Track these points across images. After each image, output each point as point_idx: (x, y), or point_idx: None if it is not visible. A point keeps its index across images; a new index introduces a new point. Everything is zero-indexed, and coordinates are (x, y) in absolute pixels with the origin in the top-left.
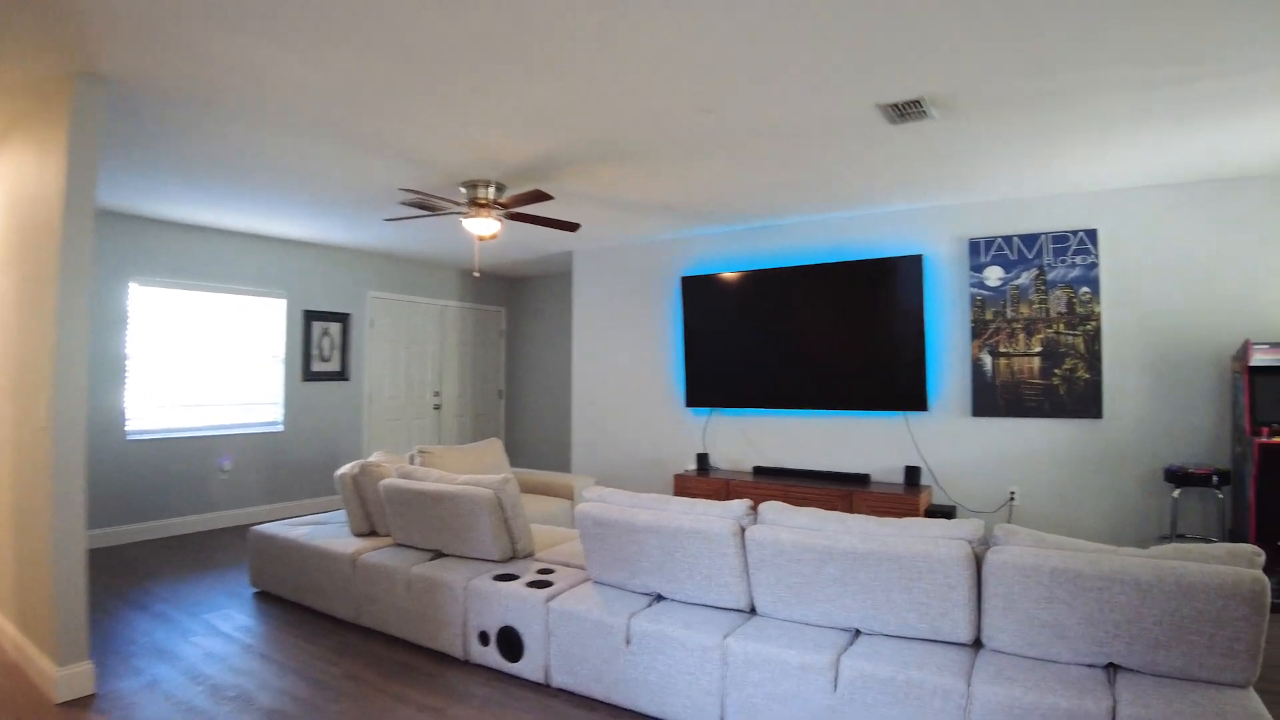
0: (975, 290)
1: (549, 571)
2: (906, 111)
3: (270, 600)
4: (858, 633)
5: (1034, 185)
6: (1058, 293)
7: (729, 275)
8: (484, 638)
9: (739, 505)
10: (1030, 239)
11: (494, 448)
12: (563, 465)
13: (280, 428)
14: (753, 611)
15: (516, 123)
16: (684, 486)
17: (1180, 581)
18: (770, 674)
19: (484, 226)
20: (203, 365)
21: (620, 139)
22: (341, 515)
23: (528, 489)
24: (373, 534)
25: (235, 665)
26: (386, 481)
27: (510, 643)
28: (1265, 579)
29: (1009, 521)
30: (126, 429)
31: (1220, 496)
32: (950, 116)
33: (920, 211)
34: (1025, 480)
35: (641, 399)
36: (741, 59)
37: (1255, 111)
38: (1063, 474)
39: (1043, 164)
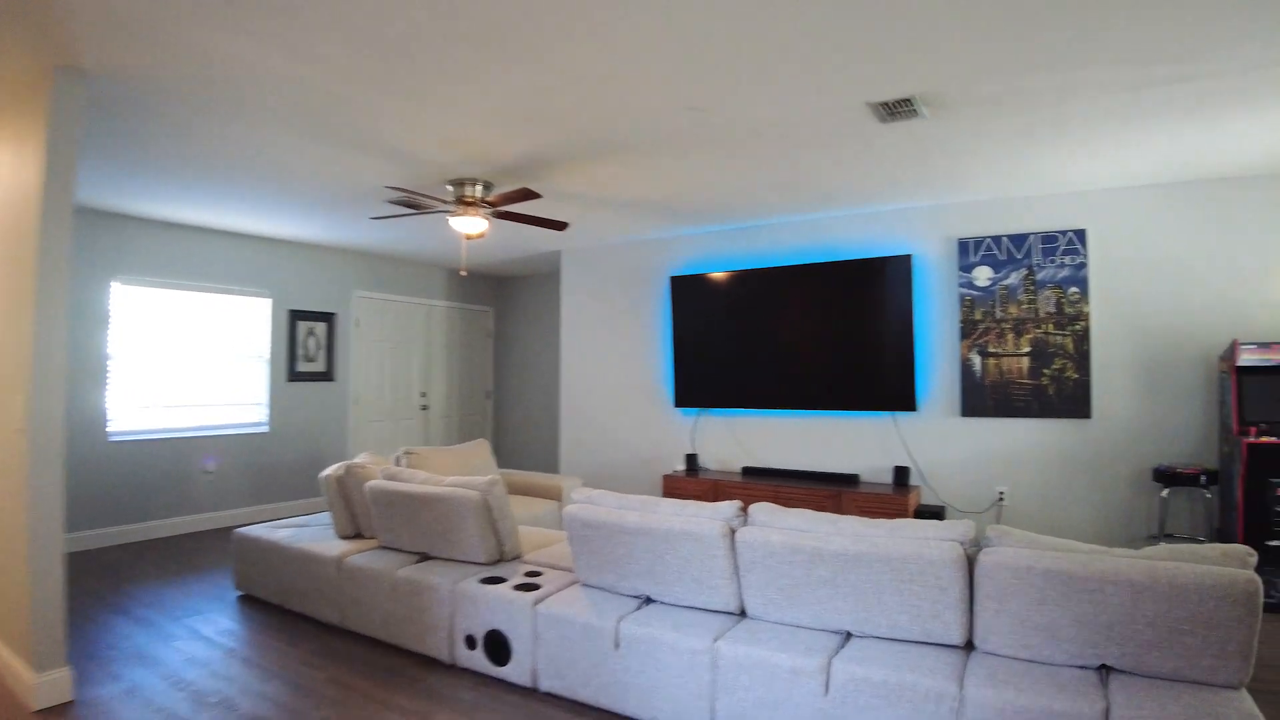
0: (964, 290)
1: (536, 574)
2: (897, 110)
3: (254, 604)
4: (849, 635)
5: (1023, 185)
6: (1047, 293)
7: (718, 275)
8: (471, 641)
9: (729, 507)
10: (1019, 239)
11: (481, 449)
12: (551, 466)
13: (265, 429)
14: (743, 614)
15: (504, 119)
16: (673, 487)
17: (1173, 582)
18: (761, 677)
19: (471, 225)
20: (187, 365)
21: (609, 136)
22: (326, 517)
23: (515, 490)
24: (358, 536)
25: (217, 670)
26: (372, 483)
27: (497, 646)
28: (1258, 579)
29: (998, 521)
30: (108, 430)
31: (1208, 496)
32: (941, 115)
33: (909, 211)
34: (1014, 480)
35: (630, 399)
36: (731, 54)
37: (1245, 112)
38: (1051, 474)
39: (1032, 164)
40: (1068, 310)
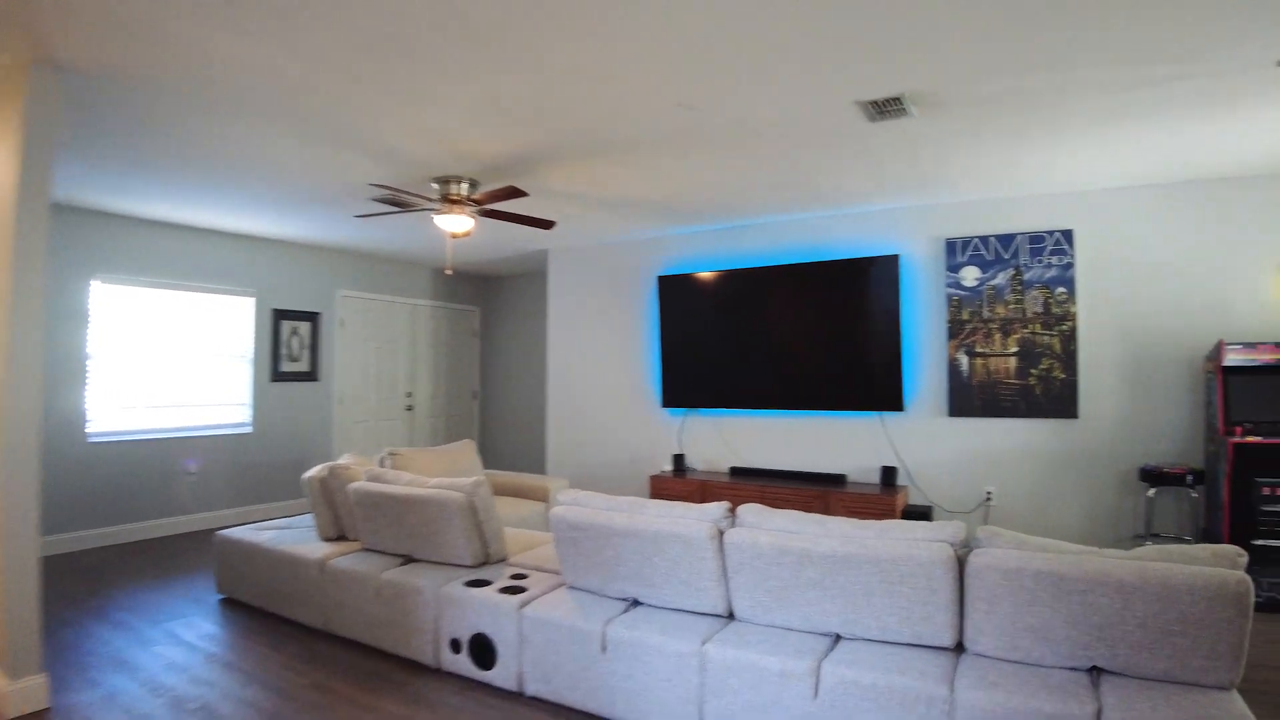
0: (952, 290)
1: (523, 576)
2: (886, 109)
3: (236, 607)
4: (838, 637)
5: (1011, 185)
6: (1034, 293)
7: (706, 275)
8: (456, 645)
9: (717, 508)
10: (1007, 239)
11: (467, 449)
12: (538, 467)
13: (248, 429)
14: (731, 617)
15: (492, 115)
16: (660, 487)
17: (1165, 583)
18: (749, 681)
19: (457, 223)
20: (168, 365)
21: (596, 134)
22: (310, 519)
23: (501, 491)
24: (342, 539)
25: (198, 676)
26: (355, 485)
27: (483, 650)
28: (1249, 580)
29: (985, 521)
30: (88, 430)
31: (1194, 496)
32: (930, 114)
33: (897, 211)
34: (1001, 480)
35: (617, 399)
36: (721, 52)
37: (1235, 113)
38: (1039, 474)
39: (1020, 163)
40: (1055, 310)
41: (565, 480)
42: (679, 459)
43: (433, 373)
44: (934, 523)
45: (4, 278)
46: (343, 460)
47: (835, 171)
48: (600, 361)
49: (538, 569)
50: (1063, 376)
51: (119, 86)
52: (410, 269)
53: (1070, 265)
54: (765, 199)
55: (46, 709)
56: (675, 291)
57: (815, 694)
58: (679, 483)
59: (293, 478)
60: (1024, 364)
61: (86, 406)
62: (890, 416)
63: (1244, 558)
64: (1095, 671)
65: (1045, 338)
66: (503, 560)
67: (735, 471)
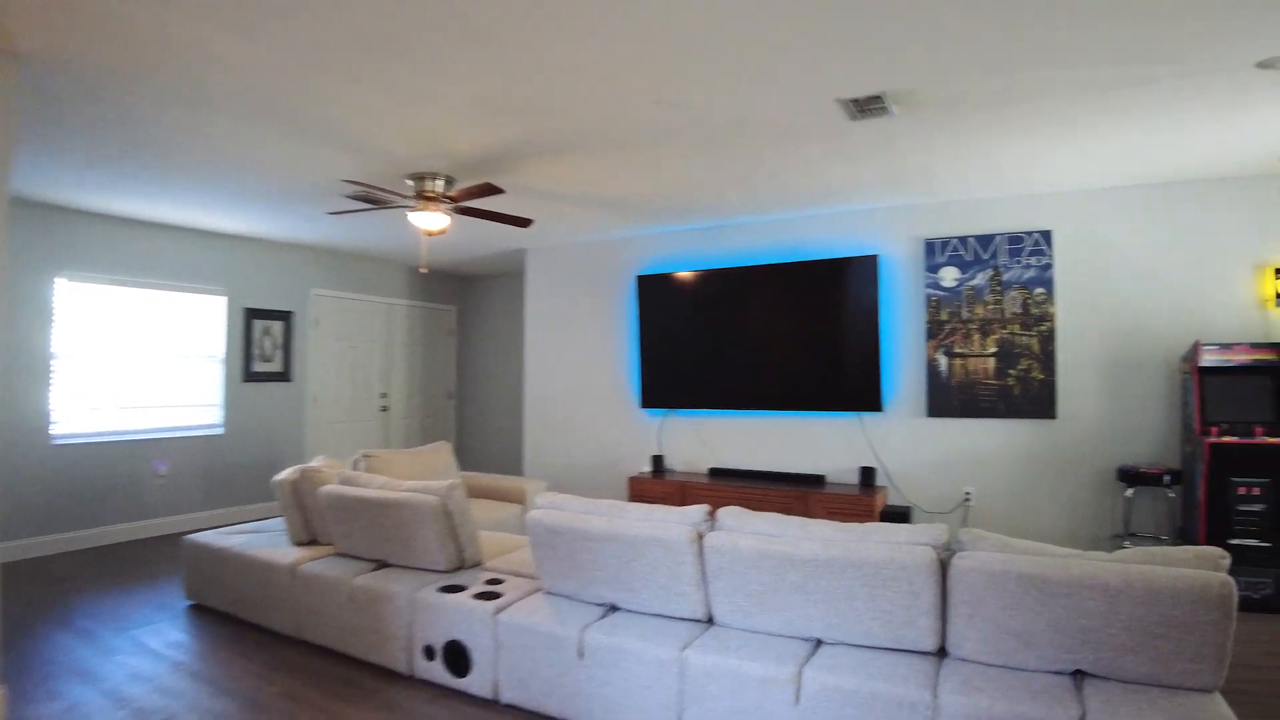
0: (931, 291)
1: (498, 581)
2: (867, 108)
3: (205, 613)
4: (820, 642)
5: (990, 186)
6: (1013, 293)
7: (684, 275)
8: (429, 652)
9: (696, 511)
10: (986, 239)
11: (442, 451)
12: (515, 468)
13: (219, 430)
14: (711, 622)
15: (468, 110)
16: (638, 489)
17: (1149, 586)
18: (730, 687)
19: (432, 221)
20: (137, 365)
21: (574, 130)
22: (281, 523)
23: (478, 493)
24: (313, 543)
25: (163, 685)
26: (327, 488)
27: (457, 657)
28: (1233, 582)
29: (965, 522)
30: (52, 432)
31: (1171, 495)
32: (911, 113)
33: (877, 211)
34: (980, 480)
35: (595, 400)
36: (703, 48)
37: (1214, 114)
38: (1017, 474)
39: (999, 164)
40: (1034, 311)
41: (543, 482)
42: (658, 460)
43: (408, 373)
44: (916, 525)
45: None
46: (315, 463)
47: (816, 171)
48: (578, 362)
49: (514, 574)
50: (1041, 377)
51: (84, 78)
52: (385, 267)
53: (1049, 266)
54: (744, 198)
55: None
56: (654, 291)
57: (796, 700)
58: (658, 484)
59: (265, 480)
60: (1003, 364)
61: (51, 407)
62: (869, 417)
63: (1226, 560)
64: (1079, 675)
65: (1024, 338)
66: (478, 565)
67: (715, 472)
